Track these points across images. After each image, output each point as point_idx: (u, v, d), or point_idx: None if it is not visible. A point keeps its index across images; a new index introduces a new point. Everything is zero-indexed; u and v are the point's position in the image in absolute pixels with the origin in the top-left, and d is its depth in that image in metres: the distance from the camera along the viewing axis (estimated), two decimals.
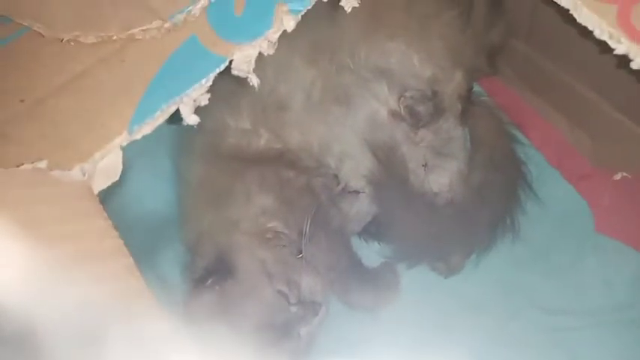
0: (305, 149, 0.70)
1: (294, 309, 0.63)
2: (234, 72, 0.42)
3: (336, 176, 0.72)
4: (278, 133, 0.70)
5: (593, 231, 0.74)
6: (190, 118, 0.42)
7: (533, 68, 0.78)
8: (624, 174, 0.76)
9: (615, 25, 0.38)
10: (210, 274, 0.63)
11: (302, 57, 0.69)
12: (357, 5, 0.44)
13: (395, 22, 0.70)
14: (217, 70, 0.42)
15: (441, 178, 0.72)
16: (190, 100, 0.41)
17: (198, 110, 0.43)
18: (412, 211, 0.69)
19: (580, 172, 0.77)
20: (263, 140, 0.70)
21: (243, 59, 0.41)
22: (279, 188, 0.68)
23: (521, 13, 0.75)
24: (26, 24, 0.44)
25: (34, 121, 0.41)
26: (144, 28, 0.42)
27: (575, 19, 0.43)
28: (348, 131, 0.70)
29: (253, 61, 0.42)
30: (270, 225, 0.66)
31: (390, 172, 0.69)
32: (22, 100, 0.41)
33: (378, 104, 0.70)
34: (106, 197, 0.41)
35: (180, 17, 0.43)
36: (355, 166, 0.71)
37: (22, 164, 0.38)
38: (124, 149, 0.40)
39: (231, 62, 0.42)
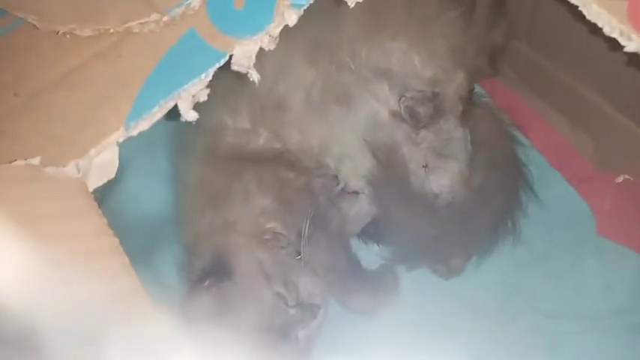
0: (304, 149, 0.70)
1: (292, 311, 0.62)
2: (234, 67, 0.42)
3: (335, 177, 0.71)
4: (277, 132, 0.69)
5: (595, 234, 0.74)
6: (189, 114, 0.41)
7: (534, 69, 0.78)
8: (626, 176, 0.75)
9: (626, 22, 0.37)
10: (207, 275, 0.62)
11: (302, 56, 0.69)
12: (361, 1, 0.43)
13: (396, 22, 0.70)
14: (217, 65, 0.41)
15: (442, 179, 0.72)
16: (189, 95, 0.40)
17: (196, 108, 0.42)
18: (412, 212, 0.68)
19: (581, 174, 0.77)
20: (262, 140, 0.69)
21: (243, 54, 0.40)
22: (278, 188, 0.67)
23: (523, 14, 0.74)
24: (21, 16, 0.43)
25: (28, 116, 0.40)
26: (142, 21, 0.41)
27: (578, 18, 0.42)
28: (348, 131, 0.70)
29: (254, 56, 0.41)
30: (268, 226, 0.66)
31: (390, 173, 0.69)
32: (15, 94, 0.41)
33: (378, 104, 0.70)
34: (103, 197, 0.40)
35: (179, 11, 0.42)
36: (355, 167, 0.70)
37: (15, 160, 0.37)
38: (120, 146, 0.40)
39: (231, 57, 0.41)
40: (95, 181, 0.38)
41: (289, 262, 0.64)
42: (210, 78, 0.41)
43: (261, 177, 0.67)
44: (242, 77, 0.43)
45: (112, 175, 0.39)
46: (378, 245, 0.74)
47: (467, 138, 0.74)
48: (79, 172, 0.38)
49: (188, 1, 0.42)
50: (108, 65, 0.41)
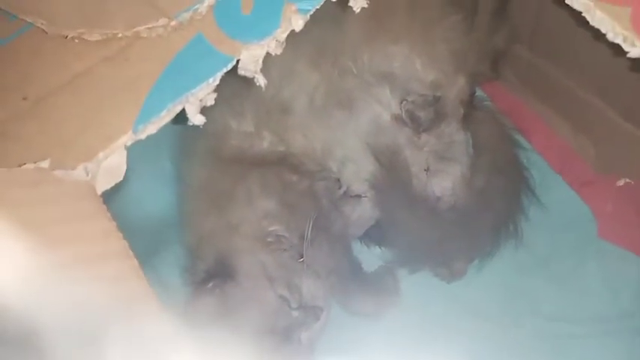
0: (307, 153, 0.70)
1: (295, 313, 0.62)
2: (241, 72, 0.42)
3: (338, 180, 0.71)
4: (281, 136, 0.70)
5: (596, 237, 0.74)
6: (196, 118, 0.41)
7: (536, 73, 0.78)
8: (627, 180, 0.75)
9: (629, 28, 0.38)
10: (211, 277, 0.62)
11: (305, 61, 0.69)
12: (366, 6, 0.43)
13: (398, 27, 0.70)
14: (224, 70, 0.41)
15: (444, 183, 0.72)
16: (196, 99, 0.41)
17: (201, 112, 0.43)
18: (414, 215, 0.69)
19: (583, 178, 0.77)
20: (266, 143, 0.70)
21: (250, 59, 0.41)
22: (281, 191, 0.67)
23: (525, 18, 0.75)
24: (30, 20, 0.43)
25: (37, 120, 0.40)
26: (150, 26, 0.42)
27: (581, 24, 0.42)
28: (350, 135, 0.70)
29: (261, 61, 0.41)
30: (271, 228, 0.66)
31: (392, 176, 0.69)
32: (24, 98, 0.41)
33: (380, 108, 0.70)
34: (107, 200, 0.40)
35: (187, 15, 0.42)
36: (357, 170, 0.70)
37: (25, 163, 0.37)
38: (128, 149, 0.40)
39: (237, 62, 0.42)
40: (103, 184, 0.38)
41: (292, 265, 0.64)
42: (217, 82, 0.41)
43: (264, 180, 0.67)
44: (246, 81, 0.43)
45: (120, 178, 0.39)
46: (380, 248, 0.74)
47: (468, 141, 0.75)
48: (87, 175, 0.38)
49: (195, 6, 0.42)
50: (116, 69, 0.41)
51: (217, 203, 0.67)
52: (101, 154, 0.39)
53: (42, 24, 0.43)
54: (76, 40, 0.42)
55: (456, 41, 0.72)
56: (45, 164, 0.37)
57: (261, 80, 0.43)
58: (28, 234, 0.33)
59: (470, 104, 0.74)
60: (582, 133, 0.77)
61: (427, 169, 0.71)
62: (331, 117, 0.70)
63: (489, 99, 0.80)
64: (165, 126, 0.42)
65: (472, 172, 0.73)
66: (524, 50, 0.78)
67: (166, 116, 0.40)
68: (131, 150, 0.41)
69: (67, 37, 0.42)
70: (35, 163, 0.37)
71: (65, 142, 0.39)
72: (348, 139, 0.70)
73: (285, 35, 0.42)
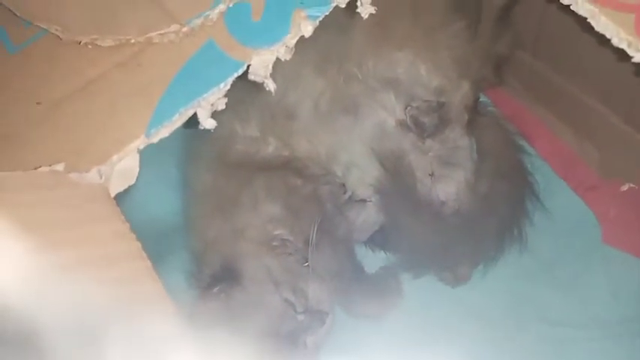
0: (312, 157, 0.70)
1: (300, 317, 0.62)
2: (251, 77, 0.43)
3: (343, 185, 0.71)
4: (286, 141, 0.70)
5: (600, 242, 0.74)
6: (207, 122, 0.42)
7: (539, 79, 0.78)
8: (631, 185, 0.76)
9: (633, 33, 0.38)
10: (216, 281, 0.62)
11: (311, 66, 0.70)
12: (374, 12, 0.44)
13: (403, 33, 0.70)
14: (235, 75, 0.42)
15: (448, 188, 0.72)
16: (208, 104, 0.41)
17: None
18: (419, 220, 0.69)
19: (587, 183, 0.77)
20: (271, 148, 0.70)
21: (261, 64, 0.41)
22: (286, 196, 0.68)
23: (528, 24, 0.75)
24: (44, 26, 0.44)
25: (51, 124, 0.41)
26: (162, 32, 0.42)
27: (585, 29, 0.43)
28: (355, 140, 0.70)
29: (271, 66, 0.42)
30: (276, 233, 0.66)
31: (397, 181, 0.69)
32: (38, 103, 0.41)
33: (385, 114, 0.71)
34: None
35: (198, 22, 0.43)
36: (362, 175, 0.71)
37: (39, 167, 0.38)
38: (140, 152, 0.40)
39: (248, 67, 0.42)
40: (117, 187, 0.39)
41: (297, 269, 0.64)
42: (228, 87, 0.42)
43: (269, 184, 0.68)
44: (252, 86, 0.44)
45: (133, 181, 0.40)
46: (385, 253, 0.75)
47: (473, 147, 0.75)
48: (101, 177, 0.38)
49: (207, 13, 0.43)
50: (129, 74, 0.42)
51: (223, 208, 0.67)
52: (115, 157, 0.39)
53: (56, 30, 0.43)
54: (90, 46, 0.43)
55: (460, 47, 0.72)
56: (59, 167, 0.37)
57: (270, 85, 0.43)
58: (42, 236, 0.34)
59: (474, 110, 0.74)
60: (586, 139, 0.78)
61: (431, 174, 0.71)
62: (336, 122, 0.70)
63: (493, 105, 0.81)
64: (174, 130, 0.43)
65: (476, 178, 0.73)
66: (527, 56, 0.78)
67: (178, 120, 0.41)
68: None
69: (80, 42, 0.43)
70: (50, 166, 0.37)
71: (79, 146, 0.39)
72: (353, 144, 0.70)
73: (294, 41, 0.42)
